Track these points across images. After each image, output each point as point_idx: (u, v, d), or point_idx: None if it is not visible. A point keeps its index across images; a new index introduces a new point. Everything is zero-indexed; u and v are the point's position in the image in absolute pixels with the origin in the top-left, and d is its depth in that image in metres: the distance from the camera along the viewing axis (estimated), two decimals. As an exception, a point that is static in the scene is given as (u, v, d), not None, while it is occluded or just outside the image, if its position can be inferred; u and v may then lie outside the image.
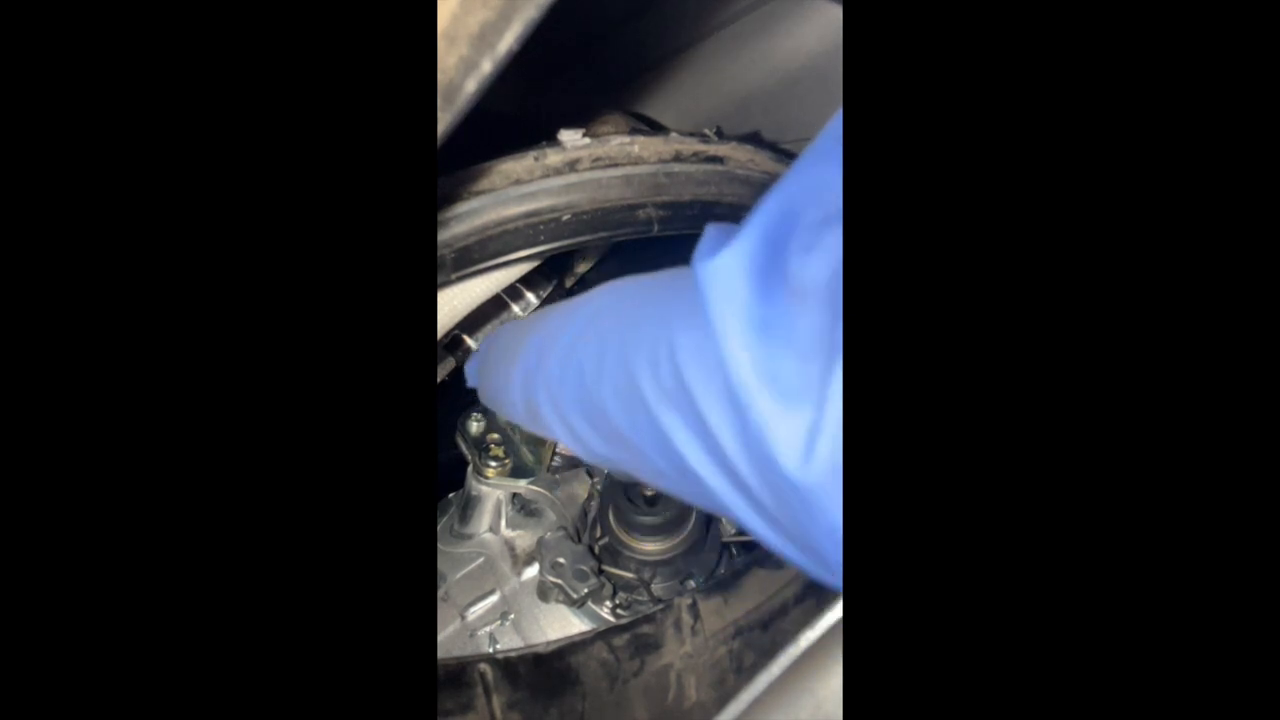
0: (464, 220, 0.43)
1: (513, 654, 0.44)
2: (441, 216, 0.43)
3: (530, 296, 0.63)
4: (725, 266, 0.27)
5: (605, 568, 0.59)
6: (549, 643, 0.45)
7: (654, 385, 0.29)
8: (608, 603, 0.59)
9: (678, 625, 0.46)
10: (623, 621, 0.47)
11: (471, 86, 0.28)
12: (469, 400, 0.68)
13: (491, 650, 0.59)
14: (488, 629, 0.60)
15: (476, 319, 0.62)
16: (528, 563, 0.62)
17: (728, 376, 0.26)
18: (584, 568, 0.57)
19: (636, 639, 0.45)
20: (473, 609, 0.61)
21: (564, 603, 0.58)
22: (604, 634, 0.46)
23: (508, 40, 0.28)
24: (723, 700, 0.43)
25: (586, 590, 0.56)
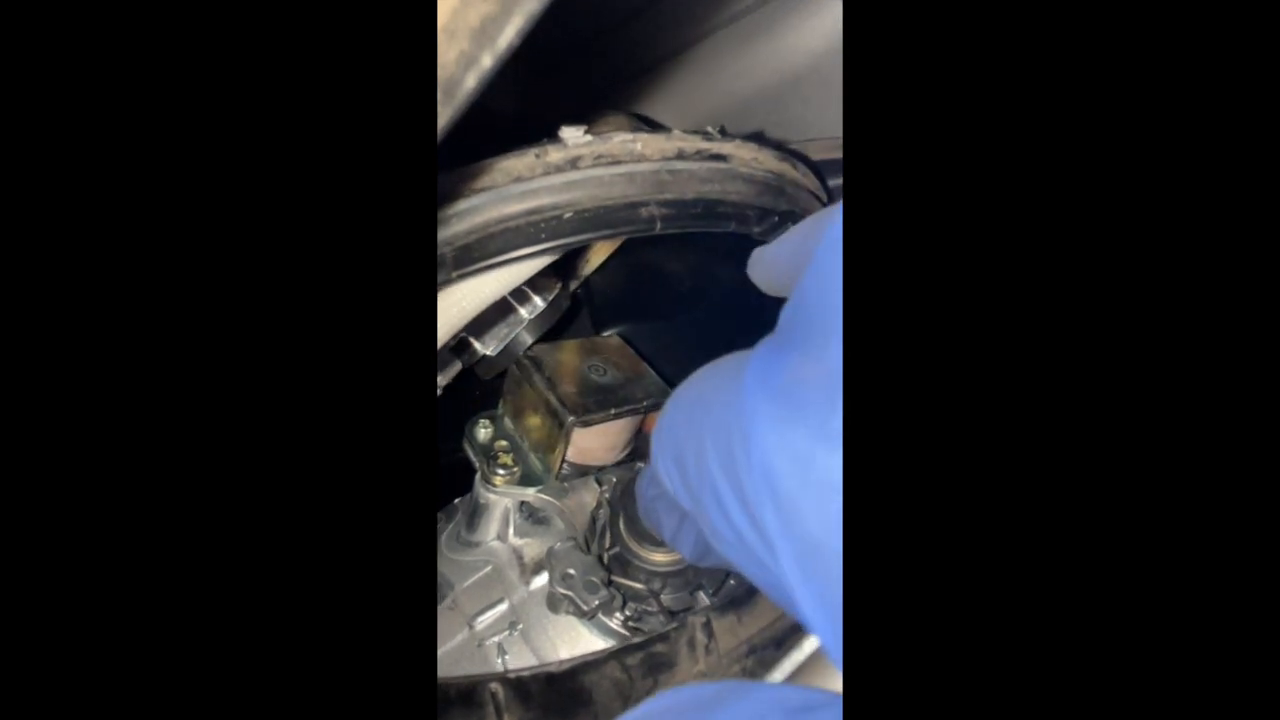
0: (464, 218, 0.42)
1: (525, 673, 0.43)
2: (442, 214, 0.42)
3: (537, 300, 0.62)
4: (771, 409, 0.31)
5: (615, 578, 0.58)
6: (561, 662, 0.44)
7: (716, 457, 0.34)
8: (618, 615, 0.57)
9: (691, 644, 0.45)
10: (637, 640, 0.46)
11: (472, 82, 0.27)
12: (477, 405, 0.67)
13: (500, 661, 0.58)
14: (496, 638, 0.59)
15: (483, 322, 0.61)
16: (536, 571, 0.61)
17: (771, 471, 0.30)
18: (594, 579, 0.56)
19: (650, 658, 0.44)
20: (481, 618, 0.60)
21: (574, 614, 0.57)
22: (617, 653, 0.45)
23: (509, 35, 0.27)
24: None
25: (597, 602, 0.55)
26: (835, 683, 0.39)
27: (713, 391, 0.36)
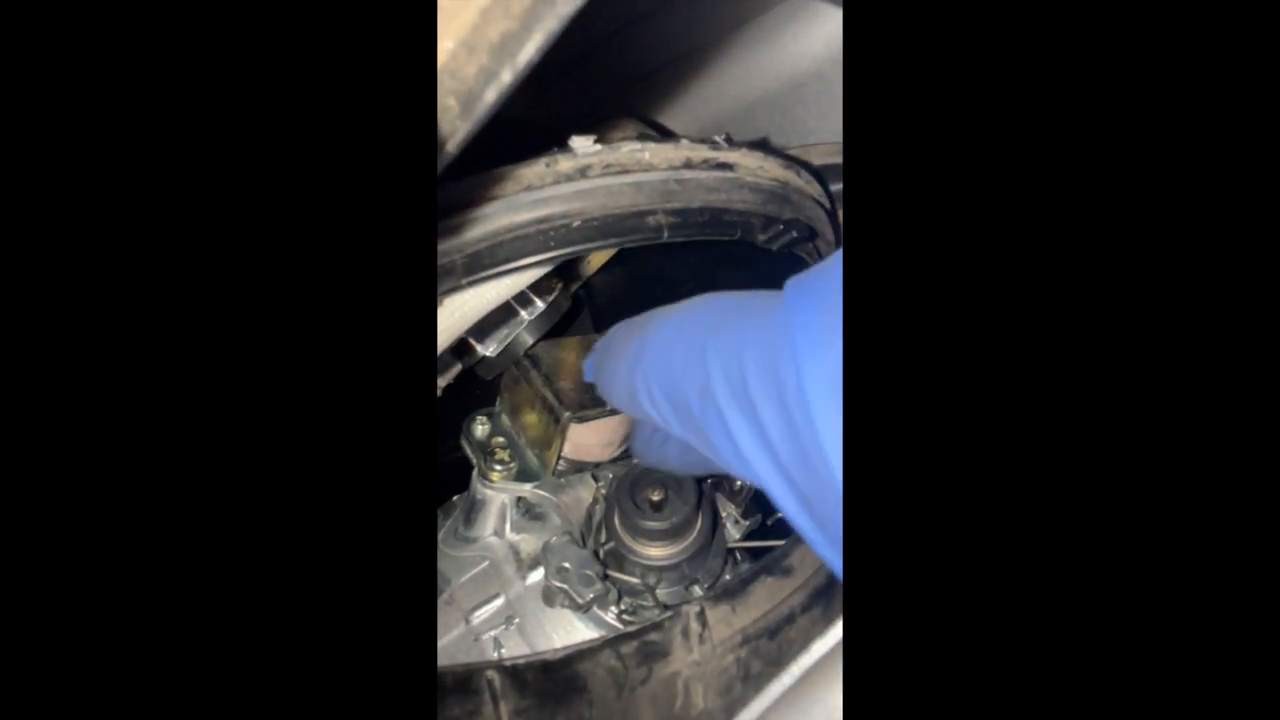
0: (475, 225, 0.43)
1: (520, 661, 0.44)
2: (453, 221, 0.43)
3: (538, 302, 0.63)
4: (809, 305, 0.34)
5: (610, 572, 0.59)
6: (556, 650, 0.45)
7: (725, 387, 0.36)
8: (613, 608, 0.59)
9: (685, 633, 0.46)
10: (630, 629, 0.47)
11: (491, 96, 0.28)
12: (475, 403, 0.68)
13: (497, 655, 0.59)
14: (493, 633, 0.60)
15: (484, 324, 0.62)
16: (532, 567, 0.62)
17: (787, 387, 0.32)
18: (589, 572, 0.57)
19: (644, 647, 0.45)
20: (477, 613, 0.61)
21: (569, 607, 0.58)
22: (612, 642, 0.46)
23: (528, 51, 0.28)
24: (730, 708, 0.43)
25: (592, 595, 0.56)
26: (836, 691, 0.39)
27: (728, 321, 0.38)
